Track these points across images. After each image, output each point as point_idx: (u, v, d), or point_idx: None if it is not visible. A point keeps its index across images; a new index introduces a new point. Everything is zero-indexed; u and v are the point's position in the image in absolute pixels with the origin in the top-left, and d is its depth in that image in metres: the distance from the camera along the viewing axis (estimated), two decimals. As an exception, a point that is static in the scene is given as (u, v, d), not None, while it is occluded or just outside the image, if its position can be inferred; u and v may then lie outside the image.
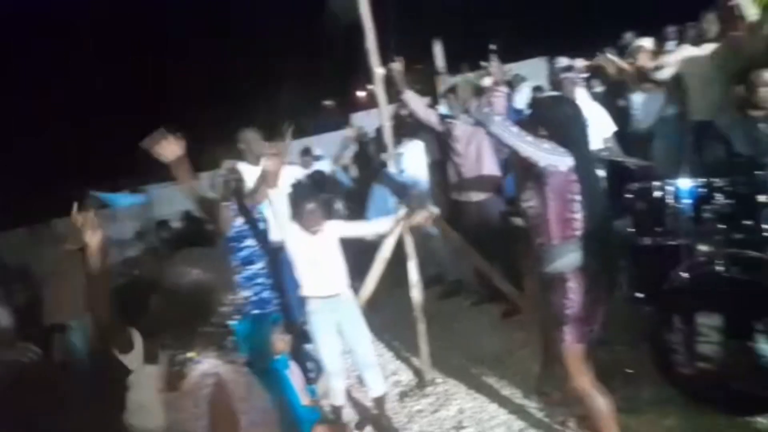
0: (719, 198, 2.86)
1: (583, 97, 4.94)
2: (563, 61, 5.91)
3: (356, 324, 3.41)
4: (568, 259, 2.46)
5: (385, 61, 3.75)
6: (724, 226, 2.87)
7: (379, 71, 3.63)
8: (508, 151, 2.64)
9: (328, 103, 20.37)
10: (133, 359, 2.38)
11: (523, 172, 2.60)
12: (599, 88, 6.25)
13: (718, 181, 2.89)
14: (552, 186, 2.44)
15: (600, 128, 4.49)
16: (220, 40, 17.97)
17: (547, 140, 2.45)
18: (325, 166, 6.98)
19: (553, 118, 2.51)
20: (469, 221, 4.72)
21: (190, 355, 1.79)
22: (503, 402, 3.42)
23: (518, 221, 6.00)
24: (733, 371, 2.66)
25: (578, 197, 2.44)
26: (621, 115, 5.19)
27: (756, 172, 2.80)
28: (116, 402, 2.44)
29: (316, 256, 3.28)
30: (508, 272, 4.33)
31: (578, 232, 2.46)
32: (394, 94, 4.56)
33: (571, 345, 2.49)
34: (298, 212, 3.25)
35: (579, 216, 2.45)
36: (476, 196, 4.70)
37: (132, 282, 3.88)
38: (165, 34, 17.98)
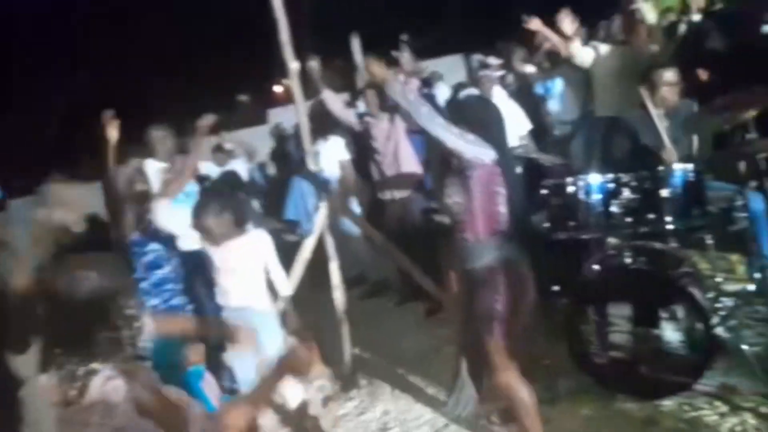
0: (626, 193, 2.99)
1: (499, 95, 5.06)
2: (481, 59, 6.03)
3: (271, 337, 3.26)
4: (495, 253, 2.47)
5: (301, 54, 3.65)
6: (631, 220, 3.00)
7: (294, 65, 3.50)
8: (433, 143, 2.59)
9: (242, 97, 19.82)
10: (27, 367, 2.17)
11: (446, 166, 2.60)
12: (514, 86, 6.39)
13: (625, 177, 3.01)
14: (477, 179, 2.45)
15: (516, 126, 4.61)
16: (128, 31, 16.99)
17: (468, 133, 2.46)
18: (239, 163, 6.74)
19: (474, 116, 2.53)
20: (391, 219, 4.73)
21: (93, 366, 1.63)
22: (428, 400, 3.42)
23: (441, 218, 6.10)
24: (642, 358, 2.79)
25: (502, 190, 2.47)
26: (538, 113, 5.35)
27: (659, 168, 2.96)
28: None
29: (224, 266, 3.13)
30: (431, 270, 4.35)
31: (503, 226, 2.48)
32: (311, 89, 4.48)
33: (499, 339, 2.47)
34: (197, 225, 3.09)
35: (504, 209, 2.47)
36: (397, 194, 4.71)
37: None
38: (71, 24, 16.78)
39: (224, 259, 3.13)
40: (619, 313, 2.82)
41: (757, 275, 3.33)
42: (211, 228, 3.05)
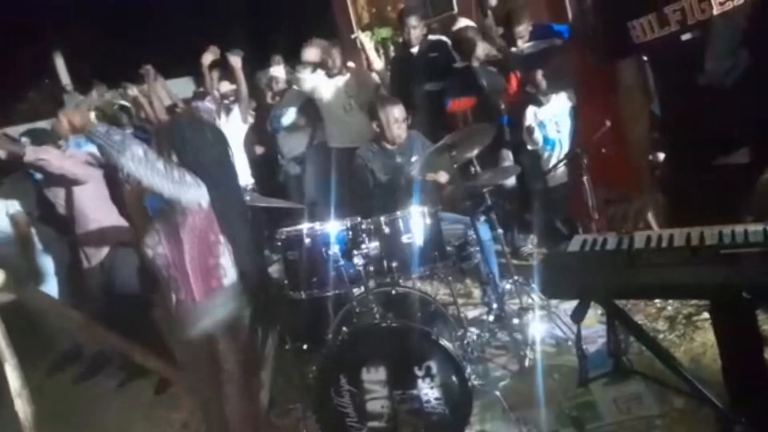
0: (367, 240, 2.71)
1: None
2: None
3: None
4: (216, 316, 1.99)
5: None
6: (374, 269, 2.74)
7: None
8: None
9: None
10: None
11: (143, 210, 2.20)
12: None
13: (364, 223, 2.74)
14: (191, 227, 1.96)
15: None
16: None
17: (179, 168, 1.94)
18: None
19: (189, 144, 2.03)
20: (96, 286, 3.81)
21: None
22: None
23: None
24: (402, 423, 2.52)
25: (222, 238, 2.00)
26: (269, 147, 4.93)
27: (397, 212, 2.75)
28: None
29: None
30: (153, 341, 3.56)
31: (226, 281, 2.01)
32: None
33: (238, 424, 2.06)
34: None
35: (225, 261, 2.01)
36: (99, 254, 3.77)
37: None
38: None
39: None
40: (373, 377, 2.51)
41: (494, 304, 3.40)
42: None
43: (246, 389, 2.08)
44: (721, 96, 1.71)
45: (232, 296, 2.03)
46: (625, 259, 1.78)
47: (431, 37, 4.76)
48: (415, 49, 4.55)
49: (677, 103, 1.85)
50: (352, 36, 4.81)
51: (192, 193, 1.93)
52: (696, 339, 2.91)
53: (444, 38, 4.68)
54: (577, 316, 1.93)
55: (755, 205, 1.71)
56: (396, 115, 3.25)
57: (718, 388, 2.07)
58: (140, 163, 1.84)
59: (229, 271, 2.01)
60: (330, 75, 4.61)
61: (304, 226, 2.77)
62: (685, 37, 1.70)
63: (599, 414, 2.61)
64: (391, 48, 6.59)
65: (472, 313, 3.75)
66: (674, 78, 1.81)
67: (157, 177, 1.86)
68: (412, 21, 4.53)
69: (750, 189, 1.71)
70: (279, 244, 2.77)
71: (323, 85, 4.61)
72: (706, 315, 3.00)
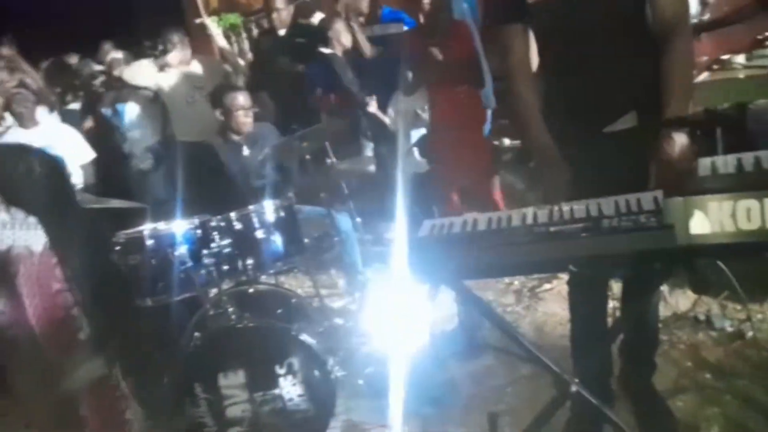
0: (217, 238, 2.56)
1: (49, 119, 4.03)
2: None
3: None
4: (81, 374, 1.75)
5: None
6: (228, 268, 2.60)
7: None
8: None
9: None
10: None
11: None
12: (75, 105, 5.25)
13: (214, 220, 2.59)
14: (27, 277, 1.69)
15: (74, 157, 3.65)
16: None
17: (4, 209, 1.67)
18: None
19: (12, 181, 1.73)
20: None
21: None
22: None
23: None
24: (266, 425, 2.43)
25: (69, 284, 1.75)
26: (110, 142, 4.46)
27: (249, 207, 2.63)
28: None
29: None
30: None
31: (83, 334, 1.76)
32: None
33: None
34: None
35: (77, 310, 1.75)
36: None
37: None
38: None
39: None
40: (232, 382, 2.38)
41: (357, 293, 3.41)
42: None
43: None
44: (611, 59, 1.71)
45: (92, 351, 1.77)
46: (469, 241, 1.84)
47: (301, 21, 4.61)
48: (282, 32, 4.39)
49: (567, 72, 1.81)
50: (197, 21, 4.50)
51: (20, 237, 1.65)
52: (539, 309, 3.15)
53: (314, 24, 4.56)
54: (429, 297, 1.98)
55: (655, 175, 1.68)
56: (240, 101, 3.08)
57: (558, 353, 2.25)
58: None
59: (85, 321, 1.76)
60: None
61: (146, 228, 2.55)
62: None
63: (457, 389, 2.72)
64: (243, 35, 6.31)
65: (337, 304, 3.74)
66: (563, 42, 1.78)
67: None
68: (278, 3, 4.38)
69: (644, 154, 1.71)
70: (118, 248, 2.52)
71: (163, 76, 4.27)
72: (546, 286, 3.26)
